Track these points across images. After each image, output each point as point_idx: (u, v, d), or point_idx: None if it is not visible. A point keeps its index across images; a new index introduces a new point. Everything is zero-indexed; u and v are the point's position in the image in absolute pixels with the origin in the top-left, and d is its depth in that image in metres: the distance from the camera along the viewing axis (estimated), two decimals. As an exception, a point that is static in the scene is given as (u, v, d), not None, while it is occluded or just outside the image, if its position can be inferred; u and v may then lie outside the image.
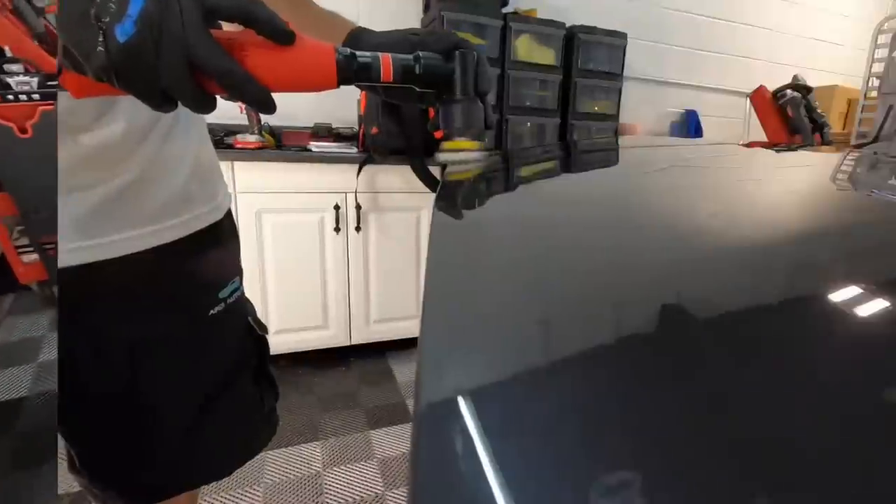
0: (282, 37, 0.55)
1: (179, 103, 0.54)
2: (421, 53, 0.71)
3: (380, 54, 0.67)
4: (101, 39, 0.47)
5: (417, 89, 0.73)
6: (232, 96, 0.55)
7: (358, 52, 0.64)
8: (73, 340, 0.77)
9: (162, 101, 0.52)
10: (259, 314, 1.02)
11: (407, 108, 2.69)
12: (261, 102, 0.56)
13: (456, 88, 0.75)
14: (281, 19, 0.55)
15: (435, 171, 2.78)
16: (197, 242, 0.85)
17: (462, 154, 0.81)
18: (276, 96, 0.57)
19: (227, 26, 0.56)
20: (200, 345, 0.88)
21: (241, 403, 0.97)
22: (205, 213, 0.87)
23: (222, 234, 0.92)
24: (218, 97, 0.56)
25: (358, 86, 0.75)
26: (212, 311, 0.88)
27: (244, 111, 2.87)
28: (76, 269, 0.72)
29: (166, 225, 0.80)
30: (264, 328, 1.02)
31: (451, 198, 0.84)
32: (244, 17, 0.53)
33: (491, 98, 0.86)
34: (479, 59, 0.77)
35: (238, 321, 0.96)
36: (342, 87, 0.65)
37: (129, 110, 0.72)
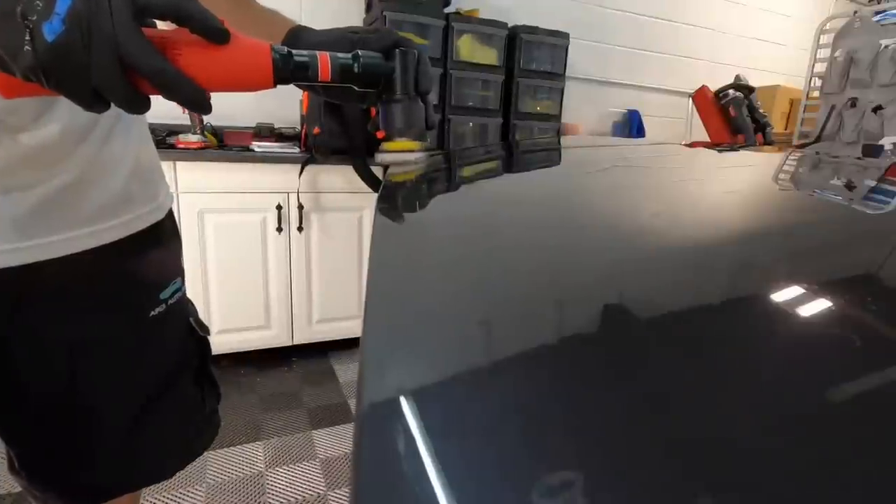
0: (215, 35, 0.54)
1: (112, 103, 0.53)
2: (360, 52, 0.70)
3: (317, 53, 0.66)
4: (27, 38, 0.45)
5: (357, 89, 0.72)
6: (165, 96, 0.54)
7: (295, 51, 0.63)
8: (11, 341, 0.75)
9: (93, 101, 0.51)
10: (201, 314, 1.02)
11: (349, 108, 2.67)
12: (194, 102, 0.54)
13: (396, 88, 0.75)
14: (215, 17, 0.53)
15: (377, 171, 2.77)
16: (138, 243, 0.84)
17: (403, 154, 0.80)
18: (218, 96, 0.56)
19: (161, 25, 0.55)
20: (141, 346, 0.87)
21: (182, 404, 0.96)
22: (146, 213, 0.86)
23: (164, 234, 0.91)
24: (156, 97, 0.55)
25: (298, 85, 0.74)
26: (153, 313, 0.87)
27: (186, 111, 2.81)
28: (15, 269, 0.71)
29: (106, 225, 0.79)
30: (206, 329, 1.01)
31: (394, 198, 0.83)
32: (176, 15, 0.52)
33: (433, 98, 0.86)
34: (419, 57, 0.77)
35: (179, 322, 0.95)
36: (285, 86, 0.64)
37: (67, 110, 0.70)
